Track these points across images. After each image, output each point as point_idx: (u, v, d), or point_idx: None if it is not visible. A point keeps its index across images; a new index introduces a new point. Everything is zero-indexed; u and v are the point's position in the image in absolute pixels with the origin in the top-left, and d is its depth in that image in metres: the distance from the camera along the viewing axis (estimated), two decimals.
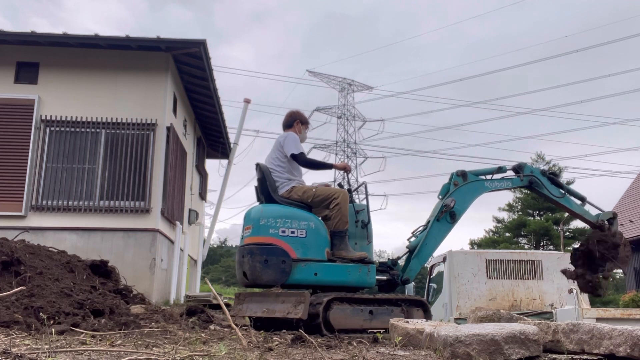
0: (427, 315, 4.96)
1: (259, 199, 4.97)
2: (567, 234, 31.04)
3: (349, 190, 5.04)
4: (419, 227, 5.41)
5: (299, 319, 4.13)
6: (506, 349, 2.60)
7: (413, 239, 5.37)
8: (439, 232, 5.29)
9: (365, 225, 4.92)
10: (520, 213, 33.73)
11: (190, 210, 11.56)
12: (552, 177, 5.95)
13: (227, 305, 5.33)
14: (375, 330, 4.62)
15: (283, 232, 4.47)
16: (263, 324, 4.75)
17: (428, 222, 5.35)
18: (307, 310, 4.15)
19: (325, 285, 4.52)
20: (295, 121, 5.23)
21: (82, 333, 3.18)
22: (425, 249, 5.24)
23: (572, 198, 5.95)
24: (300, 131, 5.21)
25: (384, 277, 5.04)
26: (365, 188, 5.23)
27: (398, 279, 5.09)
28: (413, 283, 11.37)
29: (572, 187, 35.89)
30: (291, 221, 4.52)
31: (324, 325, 4.21)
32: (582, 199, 6.00)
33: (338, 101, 44.52)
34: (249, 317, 4.80)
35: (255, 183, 5.01)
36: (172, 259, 9.65)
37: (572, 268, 5.78)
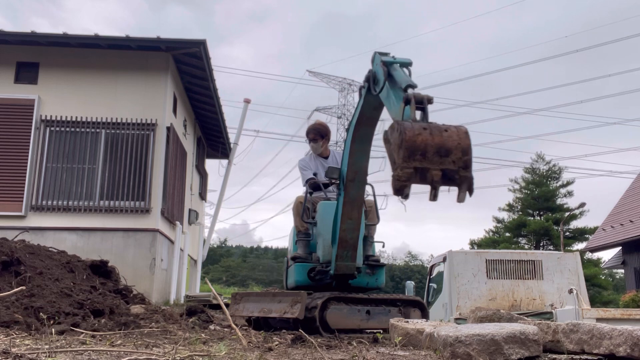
0: (425, 315, 4.94)
1: None
2: (567, 234, 31.07)
3: (312, 190, 5.10)
4: None
5: (296, 319, 4.15)
6: (506, 349, 2.60)
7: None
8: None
9: (315, 222, 4.94)
10: (520, 213, 33.76)
11: (190, 210, 11.56)
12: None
13: (227, 305, 5.32)
14: (372, 331, 4.61)
15: None
16: (260, 324, 4.78)
17: None
18: (303, 310, 4.16)
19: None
20: (306, 139, 5.40)
21: (82, 333, 3.18)
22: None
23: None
24: (311, 147, 5.39)
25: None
26: (311, 185, 5.14)
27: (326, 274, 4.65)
28: (413, 283, 11.40)
29: (572, 187, 34.89)
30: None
31: (320, 325, 4.21)
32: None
33: (338, 101, 44.57)
34: (245, 318, 4.84)
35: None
36: (172, 259, 9.66)
37: None
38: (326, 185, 5.15)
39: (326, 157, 5.50)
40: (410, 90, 3.15)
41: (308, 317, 4.19)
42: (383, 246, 5.13)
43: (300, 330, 3.40)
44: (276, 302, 4.39)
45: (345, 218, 4.34)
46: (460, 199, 2.72)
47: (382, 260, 5.19)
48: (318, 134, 5.40)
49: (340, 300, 4.48)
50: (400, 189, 2.57)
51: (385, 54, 3.72)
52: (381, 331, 4.32)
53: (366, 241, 5.01)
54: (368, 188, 5.23)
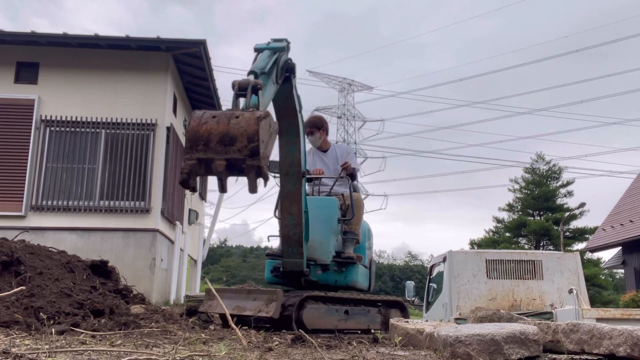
0: (405, 316, 4.81)
1: None
2: (567, 234, 31.07)
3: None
4: None
5: (271, 318, 3.95)
6: (506, 349, 2.60)
7: None
8: None
9: None
10: (520, 213, 33.78)
11: (190, 210, 11.56)
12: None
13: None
14: (350, 331, 4.45)
15: None
16: (234, 322, 4.61)
17: None
18: (279, 309, 3.97)
19: None
20: None
21: (82, 333, 3.18)
22: None
23: None
24: (309, 141, 5.29)
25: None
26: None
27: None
28: (413, 283, 11.34)
29: (572, 187, 35.11)
30: None
31: (296, 325, 4.03)
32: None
33: (338, 101, 44.68)
34: (219, 315, 4.62)
35: None
36: (172, 259, 9.66)
37: None
38: (311, 180, 5.00)
39: (326, 151, 5.34)
40: (251, 77, 2.98)
41: (284, 317, 4.00)
42: (356, 243, 4.82)
43: (300, 330, 3.40)
44: (251, 300, 4.19)
45: (285, 213, 4.19)
46: (251, 188, 2.48)
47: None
48: (314, 126, 5.25)
49: (318, 300, 4.30)
50: (184, 182, 2.42)
51: (279, 40, 3.51)
52: (381, 331, 4.27)
53: (341, 237, 4.78)
54: (342, 181, 5.07)
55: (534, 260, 8.42)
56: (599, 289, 29.83)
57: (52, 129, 8.85)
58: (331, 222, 4.70)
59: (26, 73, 9.07)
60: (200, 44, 8.82)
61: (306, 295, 4.21)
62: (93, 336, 3.08)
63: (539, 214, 33.39)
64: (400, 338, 3.37)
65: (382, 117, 44.41)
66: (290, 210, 4.18)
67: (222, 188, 2.53)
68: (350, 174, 5.07)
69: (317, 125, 5.27)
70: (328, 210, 4.78)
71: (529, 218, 33.05)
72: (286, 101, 3.90)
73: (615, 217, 20.15)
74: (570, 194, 33.43)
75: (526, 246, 32.28)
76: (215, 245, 57.28)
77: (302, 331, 3.28)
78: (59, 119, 8.87)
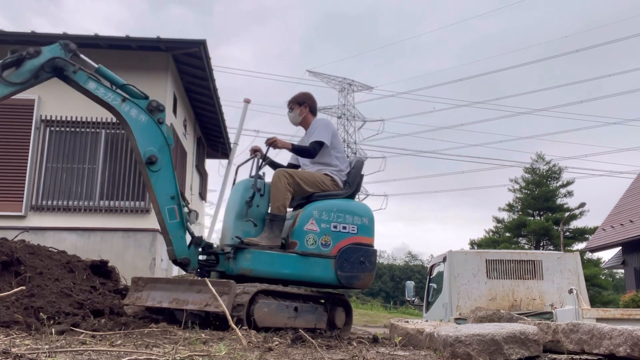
0: (349, 316, 4.49)
1: None
2: (567, 234, 31.08)
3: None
4: None
5: (218, 314, 3.55)
6: (506, 349, 2.60)
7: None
8: None
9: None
10: (520, 213, 33.79)
11: (190, 210, 11.55)
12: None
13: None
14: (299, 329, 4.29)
15: None
16: (166, 317, 4.13)
17: None
18: (232, 303, 3.59)
19: None
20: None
21: (82, 333, 3.18)
22: None
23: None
24: (289, 118, 4.99)
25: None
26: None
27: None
28: (413, 283, 11.29)
29: (572, 187, 35.14)
30: None
31: (246, 321, 3.66)
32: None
33: (338, 101, 44.66)
34: (147, 308, 4.25)
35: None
36: None
37: None
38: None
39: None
40: None
41: (233, 313, 3.56)
42: (255, 225, 4.29)
43: (300, 330, 3.39)
44: (194, 292, 3.82)
45: (153, 203, 4.31)
46: None
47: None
48: (294, 103, 4.79)
49: (269, 294, 3.94)
50: None
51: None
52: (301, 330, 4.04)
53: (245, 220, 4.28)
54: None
55: (534, 260, 8.43)
56: (599, 289, 29.84)
57: (52, 129, 8.85)
58: (236, 206, 4.41)
59: None
60: (200, 44, 8.82)
61: (260, 289, 3.83)
62: (93, 336, 3.09)
63: (539, 214, 33.40)
64: (400, 338, 3.37)
65: (382, 117, 44.39)
66: (153, 197, 4.36)
67: None
68: (302, 150, 4.62)
69: (298, 101, 4.80)
70: (236, 193, 4.51)
71: (529, 218, 33.06)
72: (94, 97, 4.32)
73: (615, 217, 20.15)
74: (570, 194, 33.46)
75: (526, 246, 32.28)
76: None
77: (301, 331, 3.28)
78: (59, 119, 8.86)
